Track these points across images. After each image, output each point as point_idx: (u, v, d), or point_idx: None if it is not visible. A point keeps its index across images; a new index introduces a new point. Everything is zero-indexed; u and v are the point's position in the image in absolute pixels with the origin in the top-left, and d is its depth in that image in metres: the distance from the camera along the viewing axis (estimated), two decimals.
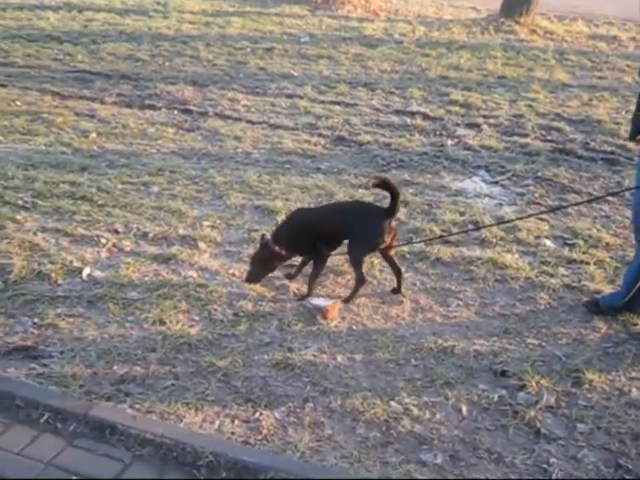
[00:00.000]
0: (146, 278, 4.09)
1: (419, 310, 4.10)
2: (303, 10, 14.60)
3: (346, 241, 4.18)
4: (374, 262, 4.51)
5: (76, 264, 4.14)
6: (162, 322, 3.67)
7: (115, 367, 3.31)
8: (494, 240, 4.97)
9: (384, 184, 4.04)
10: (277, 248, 4.00)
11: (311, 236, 4.02)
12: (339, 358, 3.57)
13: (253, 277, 4.05)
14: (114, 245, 4.44)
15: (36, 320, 3.61)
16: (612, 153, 7.17)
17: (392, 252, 4.20)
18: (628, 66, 11.84)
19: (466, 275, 4.51)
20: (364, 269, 4.10)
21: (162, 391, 3.19)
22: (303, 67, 9.92)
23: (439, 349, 3.70)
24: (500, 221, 5.02)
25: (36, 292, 3.82)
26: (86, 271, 4.08)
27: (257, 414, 3.12)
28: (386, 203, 4.03)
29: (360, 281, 4.04)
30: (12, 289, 3.84)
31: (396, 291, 4.22)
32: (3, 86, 7.94)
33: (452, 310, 4.13)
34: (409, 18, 14.98)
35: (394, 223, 4.10)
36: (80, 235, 4.51)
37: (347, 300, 4.03)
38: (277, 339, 3.65)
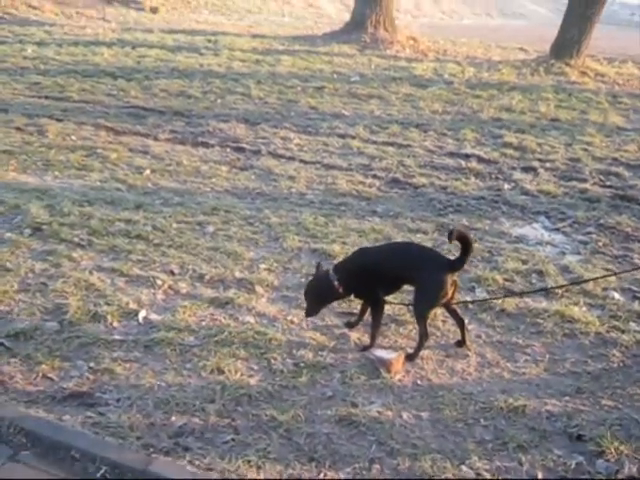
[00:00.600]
0: (203, 323, 3.97)
1: (485, 365, 3.91)
2: (352, 49, 14.66)
3: (405, 287, 4.05)
4: (436, 312, 4.33)
5: (132, 306, 4.04)
6: (220, 371, 3.53)
7: (173, 418, 3.17)
8: (559, 291, 4.76)
9: (462, 236, 3.85)
10: (336, 283, 3.83)
11: (371, 278, 3.86)
12: (405, 415, 3.38)
13: (311, 311, 3.93)
14: (170, 287, 4.33)
15: (92, 365, 3.50)
16: None
17: (454, 304, 4.02)
18: None
19: (533, 328, 4.31)
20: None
21: (222, 446, 3.04)
22: (354, 106, 9.88)
23: (509, 409, 3.50)
24: (574, 281, 4.77)
25: (92, 335, 3.71)
26: (142, 314, 3.97)
27: (321, 475, 2.95)
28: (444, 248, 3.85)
29: (424, 336, 3.87)
30: (68, 330, 3.74)
31: (461, 344, 4.04)
32: (59, 120, 8.01)
33: (520, 366, 3.92)
34: (458, 59, 14.95)
35: (456, 275, 3.91)
36: (136, 275, 4.42)
37: (412, 357, 3.85)
38: (340, 393, 3.49)
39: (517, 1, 39.16)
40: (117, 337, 3.75)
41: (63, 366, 3.47)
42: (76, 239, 4.85)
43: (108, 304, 4.03)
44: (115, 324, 3.87)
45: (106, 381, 3.40)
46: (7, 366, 3.42)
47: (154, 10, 18.60)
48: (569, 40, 14.77)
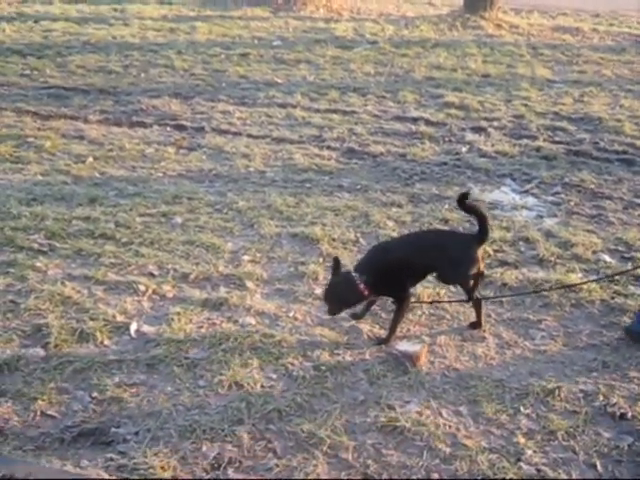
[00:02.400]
0: (202, 330, 3.61)
1: (505, 346, 3.74)
2: (265, 12, 14.14)
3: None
4: (440, 293, 4.12)
5: (119, 318, 3.63)
6: (239, 385, 3.20)
7: (204, 448, 2.83)
8: (552, 259, 4.64)
9: (470, 208, 3.73)
10: (362, 286, 3.50)
11: (401, 274, 3.60)
12: (444, 413, 3.17)
13: (334, 310, 3.64)
14: (154, 292, 3.93)
15: (95, 394, 3.09)
16: (625, 152, 6.99)
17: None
18: (602, 58, 11.79)
19: (539, 301, 4.17)
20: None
21: (267, 474, 2.73)
22: (285, 73, 9.48)
23: (545, 392, 3.35)
24: (597, 277, 4.52)
25: (85, 358, 3.29)
26: (133, 327, 3.57)
27: None
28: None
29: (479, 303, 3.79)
30: (56, 357, 3.30)
31: (475, 325, 3.84)
32: None
33: (539, 343, 3.79)
34: (373, 17, 14.67)
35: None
36: (113, 282, 3.98)
37: (475, 326, 3.80)
38: (371, 395, 3.23)
39: None
40: (113, 357, 3.34)
41: (62, 400, 3.05)
42: (35, 245, 4.34)
43: (92, 319, 3.59)
44: (106, 342, 3.46)
45: (116, 412, 3.01)
46: None
47: None
48: None
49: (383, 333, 3.70)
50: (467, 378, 3.42)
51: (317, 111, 7.78)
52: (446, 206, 5.38)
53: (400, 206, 5.35)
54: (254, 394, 3.14)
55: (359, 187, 5.70)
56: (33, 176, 5.50)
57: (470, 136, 7.19)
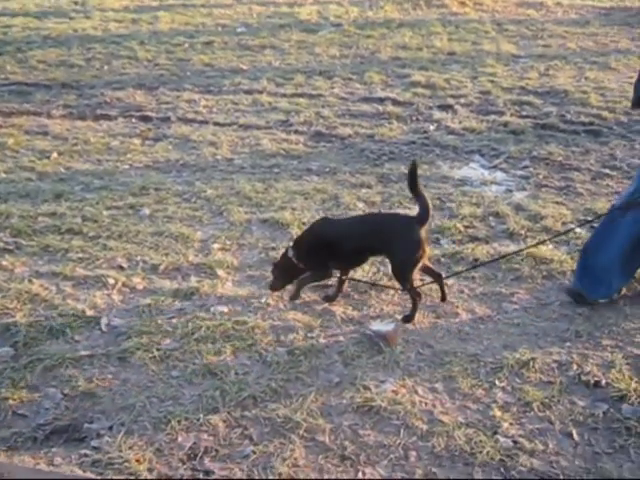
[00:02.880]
0: (174, 320, 3.57)
1: (478, 321, 3.75)
2: None
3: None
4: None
5: (89, 313, 3.58)
6: (212, 373, 3.18)
7: (180, 439, 2.80)
8: (522, 232, 4.65)
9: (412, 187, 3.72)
10: (295, 259, 3.64)
11: (330, 251, 3.64)
12: (420, 391, 3.17)
13: (275, 285, 3.75)
14: (124, 284, 3.88)
15: (66, 390, 3.05)
16: (591, 124, 7.02)
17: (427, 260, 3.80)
18: (566, 32, 11.83)
19: (511, 275, 4.18)
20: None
21: (244, 461, 2.71)
22: (250, 59, 9.40)
23: (520, 364, 3.36)
24: (558, 233, 4.60)
25: (55, 355, 3.24)
26: (104, 321, 3.52)
27: (359, 474, 2.69)
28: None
29: (416, 296, 3.67)
30: (26, 354, 3.25)
31: (443, 298, 3.84)
32: None
33: (512, 316, 3.79)
34: None
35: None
36: (82, 276, 3.93)
37: (408, 319, 3.64)
38: (346, 377, 3.21)
39: None
40: (84, 352, 3.30)
41: (33, 398, 3.00)
42: (0, 243, 4.27)
43: (62, 315, 3.54)
44: (77, 337, 3.41)
45: (88, 407, 2.97)
46: None
47: None
48: None
49: (356, 315, 3.69)
50: (442, 354, 3.42)
51: (283, 96, 7.73)
52: None
53: (369, 187, 5.34)
54: (228, 382, 3.12)
55: (328, 170, 5.68)
56: None
57: (437, 114, 7.19)
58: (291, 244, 3.78)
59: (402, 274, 3.67)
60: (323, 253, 3.66)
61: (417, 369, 3.31)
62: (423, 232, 3.63)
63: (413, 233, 3.61)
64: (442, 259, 4.31)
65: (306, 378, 3.18)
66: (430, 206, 3.67)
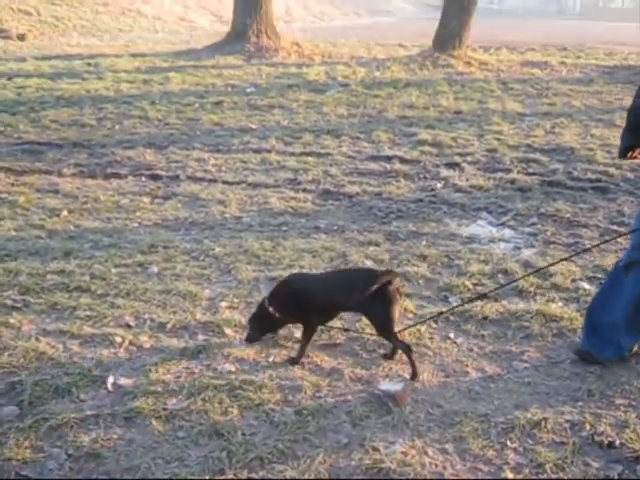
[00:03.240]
0: (181, 379, 3.53)
1: (488, 379, 3.70)
2: (238, 60, 14.33)
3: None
4: (421, 330, 4.09)
5: (96, 372, 3.55)
6: (219, 434, 3.13)
7: None
8: (532, 289, 4.63)
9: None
10: (271, 310, 3.72)
11: (305, 304, 3.69)
12: (430, 452, 3.10)
13: (252, 337, 3.82)
14: (131, 343, 3.86)
15: (70, 451, 3.00)
16: (598, 181, 7.08)
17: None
18: (571, 90, 12.01)
19: (521, 333, 4.14)
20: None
21: None
22: (259, 119, 9.56)
23: (531, 425, 3.30)
24: (534, 270, 4.66)
25: (60, 414, 3.20)
26: (110, 380, 3.49)
27: None
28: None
29: (407, 349, 3.65)
30: (31, 414, 3.21)
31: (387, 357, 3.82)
32: None
33: (523, 375, 3.74)
34: (344, 60, 14.91)
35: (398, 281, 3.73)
36: (89, 335, 3.91)
37: (413, 377, 3.61)
38: (355, 437, 3.16)
39: None
40: (89, 412, 3.26)
41: (37, 458, 2.96)
42: (9, 301, 4.27)
43: (68, 374, 3.52)
44: (83, 396, 3.37)
45: (93, 468, 2.92)
46: None
47: (21, 37, 17.48)
48: (450, 32, 15.04)
49: (365, 374, 3.65)
50: (452, 415, 3.36)
51: (292, 154, 7.83)
52: (423, 242, 5.38)
53: (377, 244, 5.35)
54: (235, 442, 3.07)
55: (336, 228, 5.70)
56: (7, 232, 5.44)
57: (445, 172, 7.25)
58: (267, 296, 3.83)
59: (385, 329, 3.64)
60: (300, 304, 3.73)
61: (427, 429, 3.26)
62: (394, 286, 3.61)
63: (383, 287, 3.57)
64: (451, 317, 4.27)
65: (314, 439, 3.13)
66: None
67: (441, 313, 4.13)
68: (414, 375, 3.63)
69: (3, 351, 3.72)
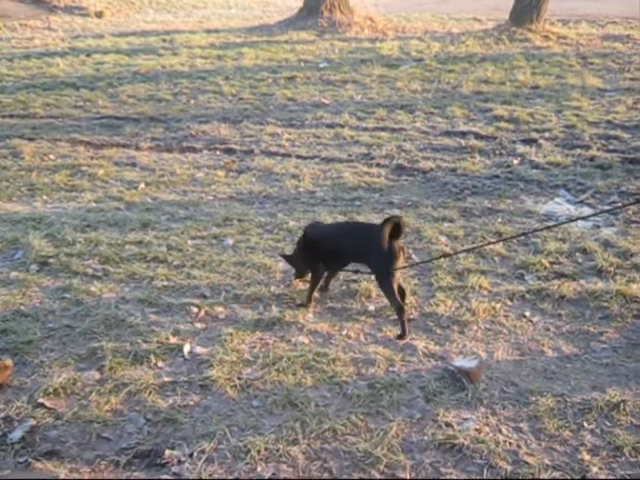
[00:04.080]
0: (255, 350, 3.58)
1: (565, 360, 3.62)
2: (311, 35, 14.26)
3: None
4: (496, 307, 4.02)
5: (173, 340, 3.63)
6: (293, 404, 3.16)
7: (259, 469, 2.79)
8: (611, 269, 4.49)
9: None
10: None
11: (317, 252, 3.92)
12: (504, 430, 3.06)
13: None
14: (207, 313, 3.93)
15: (149, 416, 3.09)
16: None
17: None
18: None
19: (599, 313, 4.03)
20: None
21: None
22: (332, 94, 9.51)
23: (609, 407, 3.21)
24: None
25: (139, 380, 3.29)
26: (187, 348, 3.57)
27: None
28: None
29: (399, 309, 3.75)
30: (111, 379, 3.31)
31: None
32: (31, 139, 7.46)
33: (601, 356, 3.64)
34: (418, 35, 14.65)
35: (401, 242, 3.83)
36: (166, 304, 4.00)
37: (400, 336, 3.72)
38: (428, 413, 3.15)
39: None
40: (167, 379, 3.34)
41: (117, 422, 3.05)
42: (89, 270, 4.40)
43: (146, 341, 3.61)
44: (160, 364, 3.46)
45: (170, 433, 2.99)
46: (54, 431, 2.98)
47: (99, 14, 17.84)
48: (528, 5, 14.59)
49: (438, 350, 3.63)
50: (527, 393, 3.31)
51: (365, 130, 7.77)
52: (499, 219, 5.29)
53: (452, 221, 5.28)
54: (308, 413, 3.10)
55: (410, 203, 5.65)
56: (87, 203, 5.61)
57: (521, 148, 7.08)
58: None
59: (385, 283, 3.77)
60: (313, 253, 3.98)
61: (501, 407, 3.22)
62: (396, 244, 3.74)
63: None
64: (527, 295, 4.20)
65: (387, 413, 3.13)
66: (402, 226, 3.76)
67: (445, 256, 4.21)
68: (402, 335, 3.72)
69: (85, 317, 3.84)
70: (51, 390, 3.20)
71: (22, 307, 3.94)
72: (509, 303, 4.09)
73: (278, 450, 2.88)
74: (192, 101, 9.13)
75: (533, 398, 3.28)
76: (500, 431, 3.06)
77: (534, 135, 7.50)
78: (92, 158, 6.80)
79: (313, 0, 15.40)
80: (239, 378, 3.34)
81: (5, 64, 11.54)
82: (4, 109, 8.84)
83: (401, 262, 3.76)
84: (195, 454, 2.86)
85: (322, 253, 3.94)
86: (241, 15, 19.30)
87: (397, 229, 3.69)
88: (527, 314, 4.01)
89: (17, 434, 2.93)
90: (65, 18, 17.42)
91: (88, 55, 11.88)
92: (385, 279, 3.74)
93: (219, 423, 3.04)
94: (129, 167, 6.56)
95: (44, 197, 5.76)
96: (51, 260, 4.52)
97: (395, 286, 3.74)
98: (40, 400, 3.14)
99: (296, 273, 4.17)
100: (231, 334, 3.70)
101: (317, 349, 3.59)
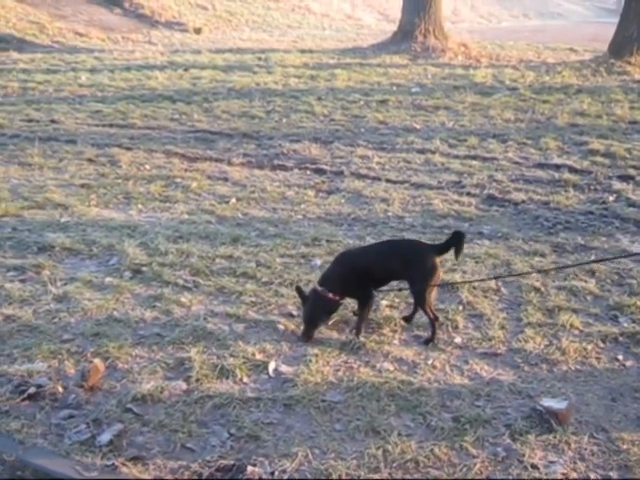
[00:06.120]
0: (339, 373, 3.58)
1: None
2: (404, 59, 14.30)
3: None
4: (587, 348, 3.91)
5: (259, 357, 3.67)
6: (375, 431, 3.14)
7: None
8: None
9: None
10: (331, 295, 3.88)
11: (362, 277, 3.90)
12: (592, 477, 2.96)
13: (310, 330, 3.90)
14: (293, 332, 3.95)
15: (232, 430, 3.12)
16: None
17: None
18: None
19: None
20: None
21: None
22: (423, 119, 9.49)
23: None
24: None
25: (224, 394, 3.34)
26: (272, 366, 3.59)
27: None
28: None
29: (433, 320, 3.91)
30: (197, 390, 3.37)
31: (407, 319, 4.12)
32: (128, 149, 7.72)
33: None
34: (513, 63, 14.51)
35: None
36: (254, 320, 4.05)
37: (428, 342, 3.90)
38: (513, 452, 3.07)
39: (553, 0, 38.51)
40: (251, 395, 3.37)
41: (201, 433, 3.09)
42: (180, 281, 4.50)
43: (233, 356, 3.65)
44: (245, 379, 3.50)
45: (252, 449, 3.01)
46: (141, 437, 3.05)
47: (198, 31, 18.40)
48: (628, 38, 14.26)
49: (526, 387, 3.54)
50: (618, 441, 3.19)
51: (456, 157, 7.72)
52: (592, 257, 5.14)
53: (543, 255, 5.17)
54: (391, 442, 3.07)
55: (500, 235, 5.56)
56: (180, 215, 5.75)
57: (617, 185, 6.89)
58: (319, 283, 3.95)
59: (419, 291, 3.91)
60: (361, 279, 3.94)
61: (590, 453, 3.11)
62: (438, 259, 3.97)
63: (430, 257, 3.94)
64: (620, 338, 4.06)
65: (471, 448, 3.07)
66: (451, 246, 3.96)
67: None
68: (430, 340, 3.89)
69: (174, 327, 3.92)
70: (139, 396, 3.27)
71: (115, 312, 4.05)
72: (601, 345, 3.97)
73: (359, 476, 2.87)
74: (284, 119, 9.27)
75: (624, 446, 3.16)
76: (588, 478, 2.95)
77: (631, 172, 7.29)
78: (186, 170, 6.97)
79: (408, 24, 15.46)
80: (322, 400, 3.34)
81: (107, 75, 12.01)
82: (104, 118, 9.19)
83: (438, 278, 3.94)
84: (277, 473, 2.87)
85: (368, 276, 3.94)
86: (335, 36, 19.54)
87: (459, 244, 3.93)
88: (620, 357, 3.88)
89: (105, 437, 3.00)
90: (165, 33, 18.02)
91: (185, 70, 12.24)
92: (422, 294, 3.88)
93: (301, 444, 3.04)
94: (221, 181, 6.69)
95: (139, 206, 5.94)
96: (144, 268, 4.64)
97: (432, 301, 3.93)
98: (128, 405, 3.21)
99: (305, 331, 3.90)
100: (316, 355, 3.70)
101: (402, 377, 3.56)
